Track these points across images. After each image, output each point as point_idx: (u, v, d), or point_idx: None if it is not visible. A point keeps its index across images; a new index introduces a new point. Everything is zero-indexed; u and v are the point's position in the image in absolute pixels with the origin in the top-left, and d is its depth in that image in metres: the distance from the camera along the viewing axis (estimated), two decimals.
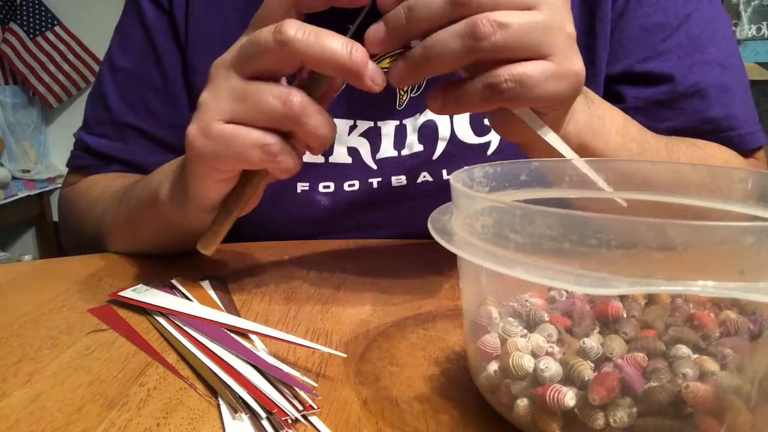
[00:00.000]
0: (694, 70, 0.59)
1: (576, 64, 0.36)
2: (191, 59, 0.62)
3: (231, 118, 0.37)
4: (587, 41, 0.60)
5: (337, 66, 0.35)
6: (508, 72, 0.34)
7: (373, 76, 0.36)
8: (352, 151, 0.61)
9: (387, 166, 0.61)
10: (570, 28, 0.36)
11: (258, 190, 0.42)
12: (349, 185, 0.61)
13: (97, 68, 2.64)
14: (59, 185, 2.72)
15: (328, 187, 0.61)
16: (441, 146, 0.60)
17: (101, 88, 0.66)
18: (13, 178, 2.46)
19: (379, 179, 0.61)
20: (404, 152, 0.60)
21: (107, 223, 0.57)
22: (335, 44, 0.35)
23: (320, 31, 0.35)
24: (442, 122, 0.60)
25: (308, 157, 0.60)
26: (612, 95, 0.61)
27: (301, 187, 0.60)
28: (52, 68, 2.61)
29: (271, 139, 0.37)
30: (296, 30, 0.35)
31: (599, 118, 0.45)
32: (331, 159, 0.61)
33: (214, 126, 0.37)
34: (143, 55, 0.64)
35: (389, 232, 0.61)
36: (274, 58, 0.36)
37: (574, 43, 0.36)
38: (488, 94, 0.35)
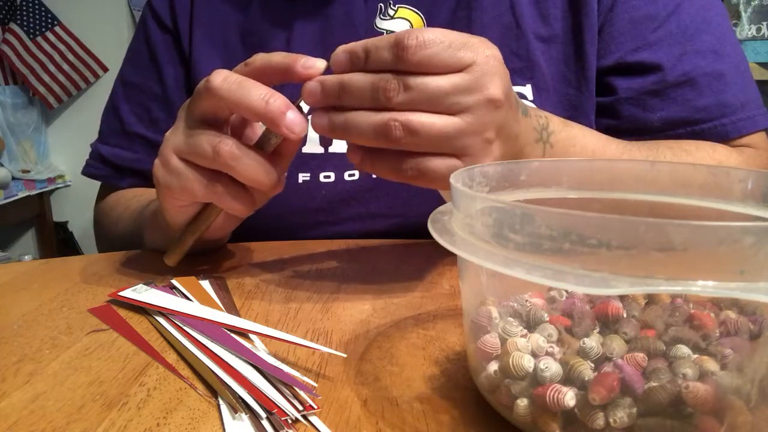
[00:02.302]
0: (685, 59, 0.60)
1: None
2: (196, 66, 0.67)
3: (183, 157, 0.42)
4: (574, 38, 0.61)
5: (254, 113, 0.39)
6: (413, 164, 0.39)
7: (290, 125, 0.39)
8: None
9: None
10: (490, 134, 0.39)
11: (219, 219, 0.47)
12: (349, 175, 0.62)
13: (97, 68, 2.65)
14: (59, 185, 2.72)
15: (328, 177, 0.62)
16: None
17: (114, 102, 0.72)
18: (13, 178, 2.46)
19: None
20: None
21: (125, 241, 0.63)
22: (253, 94, 0.39)
23: (243, 82, 0.39)
24: None
25: (309, 148, 0.63)
26: (604, 87, 0.62)
27: (303, 177, 0.62)
28: (52, 68, 2.60)
29: (214, 180, 0.42)
30: (222, 79, 0.40)
31: (561, 158, 0.47)
32: (331, 149, 0.63)
33: (172, 160, 0.42)
34: (147, 69, 0.70)
35: (387, 221, 0.62)
36: (206, 103, 0.41)
37: (491, 146, 0.40)
38: (395, 172, 0.40)
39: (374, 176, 0.62)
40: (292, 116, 0.39)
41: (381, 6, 0.63)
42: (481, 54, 0.38)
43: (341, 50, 0.39)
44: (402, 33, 0.37)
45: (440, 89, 0.37)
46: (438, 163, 0.38)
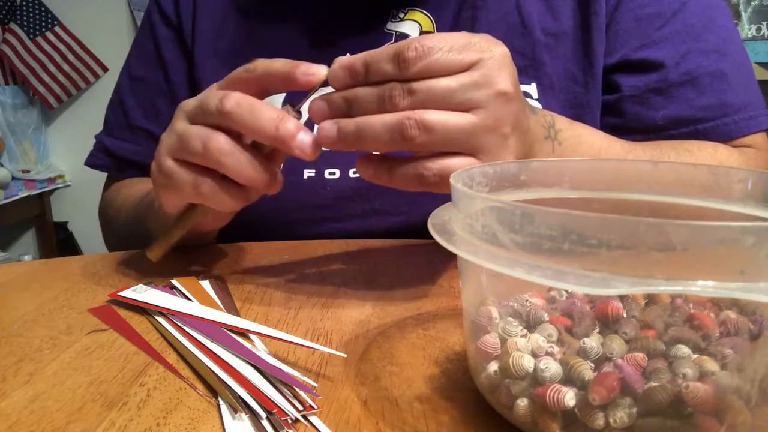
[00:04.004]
0: (689, 57, 0.60)
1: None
2: (198, 63, 0.68)
3: (175, 157, 0.42)
4: (582, 37, 0.61)
5: (265, 137, 0.39)
6: (435, 166, 0.38)
7: (301, 146, 0.39)
8: None
9: (390, 153, 0.62)
10: (506, 129, 0.38)
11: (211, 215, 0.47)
12: (354, 172, 0.62)
13: (97, 68, 2.65)
14: (59, 185, 2.72)
15: (333, 173, 0.62)
16: None
17: (120, 96, 0.73)
18: (13, 178, 2.46)
19: None
20: None
21: (129, 228, 0.64)
22: (264, 118, 0.39)
23: (255, 106, 0.39)
24: None
25: None
26: (609, 85, 0.62)
27: (308, 173, 0.63)
28: (52, 68, 2.61)
29: (201, 181, 0.42)
30: (235, 103, 0.39)
31: (570, 156, 0.48)
32: None
33: (165, 162, 0.43)
34: (153, 64, 0.71)
35: (391, 219, 0.62)
36: (215, 121, 0.41)
37: (508, 141, 0.39)
38: (416, 181, 0.38)
39: None
40: (302, 137, 0.39)
41: (393, 11, 0.64)
42: (485, 51, 0.37)
43: (338, 65, 0.38)
44: (401, 44, 0.36)
45: (447, 88, 0.36)
46: (458, 163, 0.38)
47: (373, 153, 0.41)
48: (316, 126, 0.40)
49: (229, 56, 0.66)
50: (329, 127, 0.38)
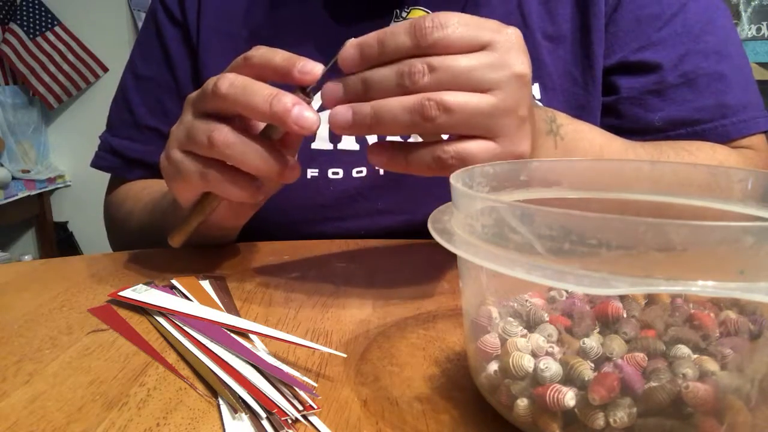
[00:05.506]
0: (687, 59, 0.60)
1: (521, 146, 0.38)
2: (203, 60, 0.68)
3: (184, 149, 0.43)
4: (582, 38, 0.61)
5: (261, 115, 0.39)
6: (453, 149, 0.37)
7: (298, 120, 0.38)
8: (360, 138, 0.63)
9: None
10: (523, 111, 0.38)
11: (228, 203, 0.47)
12: (357, 171, 0.62)
13: (97, 68, 2.65)
14: (59, 185, 2.72)
15: (337, 173, 0.62)
16: None
17: (125, 95, 0.72)
18: (13, 178, 2.46)
19: None
20: (410, 139, 0.61)
21: (143, 231, 0.63)
22: (258, 96, 0.39)
23: (248, 85, 0.39)
24: None
25: (318, 144, 0.63)
26: (608, 86, 0.62)
27: (311, 173, 0.63)
28: (52, 68, 2.61)
29: (207, 170, 0.42)
30: (228, 85, 0.39)
31: (571, 151, 0.48)
32: (340, 146, 0.63)
33: (173, 153, 0.43)
34: (160, 62, 0.70)
35: (394, 218, 0.62)
36: (214, 105, 0.41)
37: (525, 124, 0.38)
38: (434, 165, 0.38)
39: (381, 173, 0.62)
40: (297, 111, 0.38)
41: (396, 11, 0.64)
42: (499, 32, 0.37)
43: (350, 45, 0.37)
44: (418, 18, 0.36)
45: (467, 66, 0.36)
46: (475, 146, 0.37)
47: (385, 140, 0.40)
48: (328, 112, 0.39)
49: (236, 50, 0.66)
50: (343, 111, 0.37)
